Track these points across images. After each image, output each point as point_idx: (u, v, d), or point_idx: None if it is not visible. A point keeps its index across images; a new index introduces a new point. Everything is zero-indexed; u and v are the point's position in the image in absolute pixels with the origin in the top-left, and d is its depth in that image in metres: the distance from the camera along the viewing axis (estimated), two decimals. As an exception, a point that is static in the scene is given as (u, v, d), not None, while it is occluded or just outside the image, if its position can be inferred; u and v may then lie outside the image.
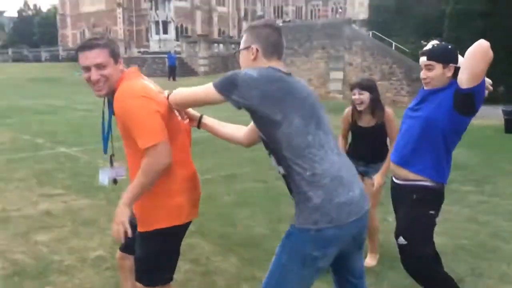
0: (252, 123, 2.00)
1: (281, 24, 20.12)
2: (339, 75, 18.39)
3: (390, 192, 2.70)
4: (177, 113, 2.08)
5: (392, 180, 2.63)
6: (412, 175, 2.47)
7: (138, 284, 2.09)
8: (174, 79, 25.61)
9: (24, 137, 9.10)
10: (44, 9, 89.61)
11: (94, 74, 1.93)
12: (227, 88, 1.78)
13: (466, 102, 2.27)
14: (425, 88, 2.48)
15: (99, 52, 1.93)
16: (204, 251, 3.75)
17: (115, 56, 1.98)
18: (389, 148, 3.33)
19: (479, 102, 2.29)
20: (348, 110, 3.52)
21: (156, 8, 34.24)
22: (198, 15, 59.56)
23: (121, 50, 36.39)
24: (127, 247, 2.21)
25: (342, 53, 18.36)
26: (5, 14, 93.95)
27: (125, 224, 1.85)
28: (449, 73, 2.38)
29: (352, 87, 3.36)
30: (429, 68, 2.41)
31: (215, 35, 55.50)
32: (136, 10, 58.99)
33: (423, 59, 2.46)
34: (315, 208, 1.75)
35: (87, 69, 1.95)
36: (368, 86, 3.32)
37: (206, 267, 3.47)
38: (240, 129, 2.22)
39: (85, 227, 4.25)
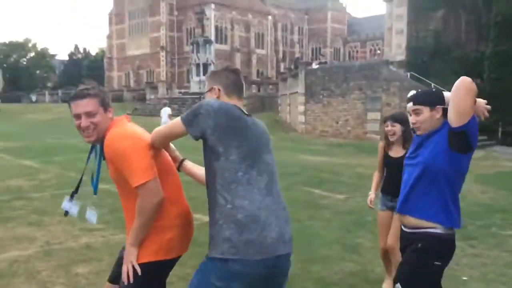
0: None
1: (316, 66, 20.50)
2: (377, 115, 18.35)
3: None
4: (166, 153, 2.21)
5: (401, 229, 2.55)
6: (419, 222, 2.38)
7: None
8: None
9: (70, 174, 9.52)
10: (93, 52, 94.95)
11: (84, 121, 2.07)
12: (189, 120, 1.95)
13: (461, 140, 2.25)
14: (417, 133, 2.47)
15: (89, 101, 2.07)
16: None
17: (104, 105, 2.12)
18: None
19: (473, 138, 2.27)
20: (381, 143, 3.82)
21: (197, 51, 35.59)
22: (238, 57, 61.32)
23: (163, 91, 37.82)
24: (115, 278, 2.23)
25: (379, 94, 18.38)
26: (57, 57, 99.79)
27: (133, 263, 1.99)
28: (438, 115, 2.35)
29: (386, 119, 3.69)
30: (416, 112, 2.41)
31: (254, 76, 56.82)
32: (179, 53, 61.46)
33: (409, 105, 2.47)
34: (224, 240, 1.86)
35: (78, 116, 2.09)
36: (400, 118, 3.60)
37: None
38: None
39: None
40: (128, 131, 2.07)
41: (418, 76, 18.84)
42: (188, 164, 2.37)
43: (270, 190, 1.98)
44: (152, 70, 63.09)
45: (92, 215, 2.40)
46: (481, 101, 2.34)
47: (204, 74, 35.72)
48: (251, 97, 30.95)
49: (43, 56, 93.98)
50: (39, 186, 8.23)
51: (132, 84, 61.73)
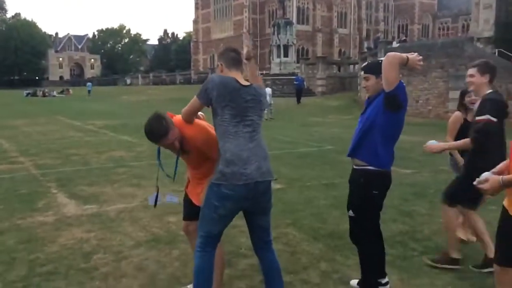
0: None
1: (397, 45, 20.11)
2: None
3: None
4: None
5: (352, 168, 3.30)
6: (360, 162, 3.17)
7: None
8: (299, 101, 26.02)
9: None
10: (180, 36, 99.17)
11: (170, 147, 2.93)
12: (201, 94, 2.72)
13: (392, 101, 2.98)
14: (366, 94, 3.25)
15: (165, 139, 2.84)
16: (295, 238, 4.52)
17: (173, 129, 2.85)
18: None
19: (403, 99, 3.01)
20: (458, 114, 4.40)
21: (278, 33, 36.16)
22: (319, 37, 60.93)
23: (246, 71, 39.04)
24: (189, 215, 3.22)
25: (463, 72, 17.76)
26: (148, 42, 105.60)
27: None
28: (381, 81, 3.00)
29: (465, 92, 4.30)
30: (366, 79, 3.18)
31: (335, 56, 56.19)
32: (261, 35, 62.46)
33: (361, 73, 3.21)
34: (217, 171, 2.69)
35: (166, 147, 2.94)
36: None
37: (294, 249, 4.23)
38: None
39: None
40: (202, 124, 3.00)
41: (507, 53, 17.90)
42: None
43: (252, 137, 2.75)
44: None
45: (173, 198, 3.39)
46: (413, 56, 2.96)
47: (284, 56, 36.39)
48: (330, 77, 31.05)
49: (136, 42, 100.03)
50: (137, 157, 9.52)
51: (215, 66, 63.96)
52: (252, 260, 3.91)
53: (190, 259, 3.92)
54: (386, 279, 3.32)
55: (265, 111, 20.23)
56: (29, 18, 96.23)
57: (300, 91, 26.60)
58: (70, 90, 54.57)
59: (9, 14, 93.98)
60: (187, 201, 3.25)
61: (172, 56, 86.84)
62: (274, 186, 6.87)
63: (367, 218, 3.26)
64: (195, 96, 2.77)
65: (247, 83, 2.80)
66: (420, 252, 4.17)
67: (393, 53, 2.99)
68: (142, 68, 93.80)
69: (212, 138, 2.88)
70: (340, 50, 61.84)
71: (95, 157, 9.56)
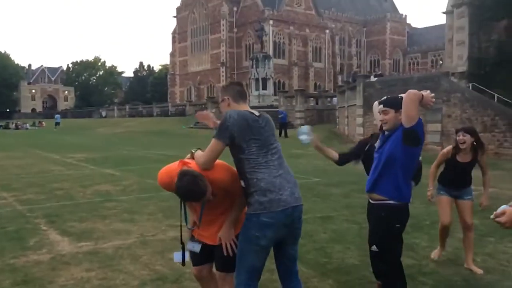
0: None
1: (374, 79, 20.68)
2: (437, 127, 18.28)
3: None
4: None
5: (368, 202, 3.39)
6: (380, 197, 3.22)
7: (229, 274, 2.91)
8: (286, 136, 25.64)
9: (147, 181, 10.60)
10: (156, 69, 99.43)
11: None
12: (222, 134, 2.68)
13: (411, 136, 3.07)
14: (384, 128, 3.29)
15: (205, 197, 2.69)
16: (304, 274, 4.42)
17: (208, 185, 2.71)
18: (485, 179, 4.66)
19: (421, 134, 3.11)
20: (449, 148, 4.69)
21: (257, 66, 36.75)
22: (295, 71, 62.19)
23: (224, 105, 39.16)
24: (201, 259, 3.06)
25: (440, 106, 18.31)
26: (123, 75, 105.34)
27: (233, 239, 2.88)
28: (400, 116, 3.10)
29: (457, 131, 4.57)
30: (385, 113, 3.22)
31: (311, 89, 57.30)
32: (238, 68, 63.35)
33: (380, 107, 3.28)
34: (255, 202, 2.67)
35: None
36: (471, 131, 4.57)
37: (305, 285, 4.13)
38: None
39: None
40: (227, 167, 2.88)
41: (480, 87, 18.59)
42: None
43: (281, 164, 2.78)
44: (212, 85, 65.29)
45: (196, 245, 3.05)
46: (427, 93, 3.10)
47: (263, 89, 36.88)
48: (308, 110, 31.49)
49: (111, 74, 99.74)
50: (124, 191, 9.30)
51: (193, 98, 64.17)
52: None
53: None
54: None
55: None
56: (2, 50, 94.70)
57: (285, 125, 26.51)
58: (43, 123, 53.61)
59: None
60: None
61: (148, 88, 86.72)
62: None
63: (391, 252, 3.26)
64: (213, 140, 2.70)
65: (256, 113, 2.81)
66: (430, 285, 4.15)
67: (414, 90, 3.06)
68: (116, 100, 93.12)
69: (235, 173, 2.83)
70: (315, 84, 63.15)
71: (80, 191, 9.28)
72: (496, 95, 17.99)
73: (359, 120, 21.19)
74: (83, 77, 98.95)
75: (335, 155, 4.13)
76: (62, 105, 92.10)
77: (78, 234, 5.85)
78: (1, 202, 8.10)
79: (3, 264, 4.65)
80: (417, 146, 3.14)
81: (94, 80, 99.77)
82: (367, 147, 4.15)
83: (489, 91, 18.11)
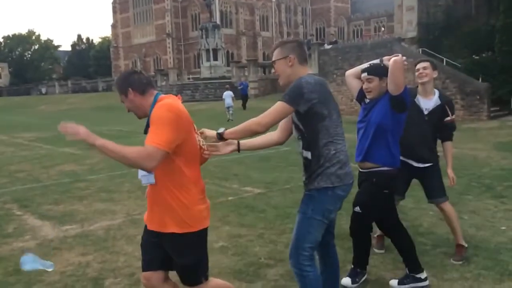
0: (280, 125, 2.78)
1: (329, 46, 20.79)
2: (391, 92, 18.83)
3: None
4: (198, 140, 2.44)
5: (359, 172, 3.36)
6: (372, 165, 3.23)
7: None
8: (244, 108, 24.85)
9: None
10: (96, 41, 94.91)
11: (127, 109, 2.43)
12: (295, 100, 2.47)
13: (399, 103, 3.10)
14: (368, 97, 3.25)
15: (124, 98, 2.36)
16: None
17: (139, 91, 2.34)
18: None
19: (407, 100, 3.14)
20: None
21: (207, 37, 35.90)
22: (243, 40, 61.51)
23: (174, 77, 38.18)
24: (151, 264, 2.47)
25: (392, 71, 18.80)
26: (60, 49, 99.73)
27: (77, 131, 2.13)
28: (384, 83, 3.14)
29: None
30: (369, 81, 3.19)
31: (260, 59, 57.01)
32: (185, 39, 61.67)
33: (364, 75, 3.22)
34: (331, 174, 2.55)
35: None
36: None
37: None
38: (271, 135, 2.87)
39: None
40: (178, 107, 2.27)
41: (430, 52, 19.20)
42: (245, 142, 2.77)
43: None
44: (159, 57, 63.39)
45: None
46: (400, 58, 2.99)
47: (214, 60, 36.20)
48: (262, 80, 31.35)
49: (47, 48, 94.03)
50: (92, 170, 8.88)
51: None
52: (279, 268, 3.78)
53: (213, 274, 3.68)
54: (425, 274, 3.38)
55: (227, 113, 20.01)
56: None
57: (246, 97, 25.69)
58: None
59: None
60: (150, 243, 2.46)
61: (90, 62, 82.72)
62: (253, 191, 6.81)
63: (371, 216, 3.40)
64: (281, 103, 2.50)
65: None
66: (431, 245, 4.27)
67: (399, 57, 3.04)
68: (55, 76, 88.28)
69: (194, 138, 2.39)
70: (263, 53, 62.83)
71: (44, 172, 8.78)
72: (444, 59, 18.65)
73: (315, 88, 21.35)
74: (16, 52, 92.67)
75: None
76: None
77: (59, 217, 5.52)
78: (-41, 188, 7.50)
79: (-13, 254, 4.31)
80: (404, 112, 3.19)
81: (29, 55, 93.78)
82: None
83: (438, 55, 18.74)
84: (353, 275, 3.48)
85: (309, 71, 2.67)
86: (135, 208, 5.85)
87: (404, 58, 3.08)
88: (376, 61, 3.29)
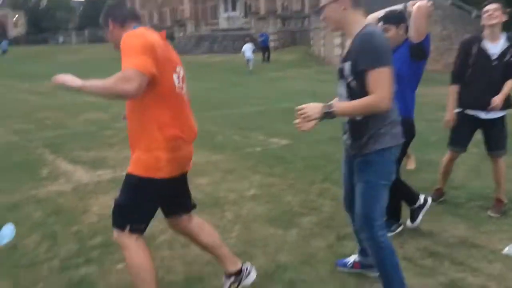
0: None
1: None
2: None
3: None
4: (176, 80, 2.23)
5: None
6: None
7: (114, 230, 2.29)
8: (268, 60, 24.46)
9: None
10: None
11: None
12: (389, 58, 2.19)
13: (419, 51, 3.05)
14: None
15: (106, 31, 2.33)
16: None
17: (119, 23, 2.28)
18: None
19: (428, 48, 3.09)
20: None
21: (225, -14, 34.90)
22: (262, -10, 59.56)
23: (192, 28, 37.47)
24: (169, 212, 2.51)
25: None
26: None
27: (64, 79, 2.09)
28: (401, 31, 3.07)
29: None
30: (386, 30, 3.08)
31: (278, 11, 55.43)
32: (202, -12, 59.91)
33: (380, 24, 3.09)
34: (386, 134, 2.27)
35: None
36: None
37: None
38: None
39: (229, 174, 5.07)
40: (143, 33, 2.13)
41: (462, 4, 18.46)
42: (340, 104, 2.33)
43: None
44: (175, 8, 62.09)
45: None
46: (425, 3, 2.95)
47: (232, 10, 35.36)
48: (281, 32, 30.63)
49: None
50: (116, 118, 8.86)
51: (155, 22, 61.14)
52: (312, 217, 3.80)
53: (248, 221, 3.75)
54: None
55: (246, 65, 19.84)
56: None
57: (267, 49, 24.89)
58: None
59: None
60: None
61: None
62: (280, 142, 6.78)
63: None
64: (379, 70, 2.14)
65: None
66: (466, 199, 4.22)
67: (423, 2, 2.92)
68: (71, 26, 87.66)
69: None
70: (282, 4, 60.88)
71: (71, 120, 8.88)
72: (475, 11, 17.91)
73: (337, 40, 20.79)
74: (32, 1, 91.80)
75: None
76: (12, 32, 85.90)
77: (90, 162, 5.60)
78: (-10, 133, 7.64)
79: (25, 196, 4.41)
80: (424, 60, 3.13)
81: (44, 4, 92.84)
82: None
83: (468, 7, 18.00)
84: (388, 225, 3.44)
85: (364, 18, 2.37)
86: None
87: (430, 3, 2.98)
88: (400, 6, 3.20)
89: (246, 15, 38.02)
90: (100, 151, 6.18)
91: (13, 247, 3.19)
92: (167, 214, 2.54)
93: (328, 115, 2.21)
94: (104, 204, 4.18)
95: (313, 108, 2.21)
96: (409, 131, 3.07)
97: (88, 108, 10.40)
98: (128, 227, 2.22)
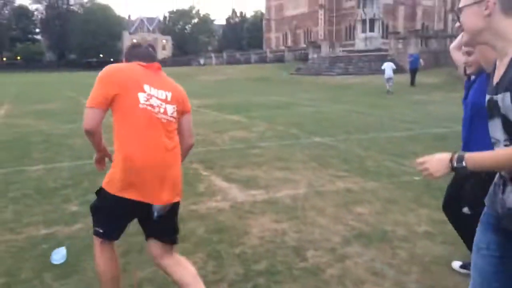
0: None
1: None
2: None
3: None
4: (142, 98, 2.26)
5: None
6: None
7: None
8: (413, 83, 23.05)
9: (278, 128, 10.27)
10: (248, 15, 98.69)
11: None
12: None
13: None
14: (467, 71, 2.80)
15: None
16: None
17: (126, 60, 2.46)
18: None
19: None
20: None
21: (364, 6, 34.37)
22: (401, 10, 57.69)
23: (326, 49, 37.54)
24: (146, 235, 2.47)
25: None
26: (215, 22, 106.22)
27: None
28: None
29: None
30: (469, 53, 2.71)
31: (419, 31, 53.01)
32: (337, 10, 60.18)
33: (463, 47, 2.72)
34: None
35: None
36: None
37: None
38: None
39: (391, 205, 4.63)
40: (114, 66, 2.35)
41: None
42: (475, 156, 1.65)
43: None
44: (309, 29, 63.18)
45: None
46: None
47: (370, 31, 34.61)
48: (423, 53, 29.00)
49: (205, 22, 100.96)
50: (261, 138, 9.01)
51: (289, 44, 62.79)
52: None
53: (426, 262, 3.29)
54: None
55: (386, 85, 19.06)
56: (103, 2, 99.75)
57: (415, 71, 23.28)
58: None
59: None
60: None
61: (243, 34, 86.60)
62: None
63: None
64: None
65: None
66: None
67: None
68: (210, 48, 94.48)
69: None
70: (423, 24, 58.16)
71: (218, 137, 9.19)
72: None
73: (490, 61, 18.87)
74: (179, 26, 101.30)
75: None
76: (160, 54, 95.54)
77: (243, 181, 5.61)
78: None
79: (186, 210, 4.49)
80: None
81: (189, 29, 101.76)
82: None
83: None
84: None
85: None
86: (316, 179, 5.67)
87: None
88: None
89: (384, 36, 36.94)
90: (250, 170, 6.19)
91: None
92: (146, 236, 2.47)
93: (459, 170, 1.63)
94: (264, 226, 4.07)
95: (438, 162, 1.66)
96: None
97: (232, 126, 10.75)
98: (94, 229, 2.39)
